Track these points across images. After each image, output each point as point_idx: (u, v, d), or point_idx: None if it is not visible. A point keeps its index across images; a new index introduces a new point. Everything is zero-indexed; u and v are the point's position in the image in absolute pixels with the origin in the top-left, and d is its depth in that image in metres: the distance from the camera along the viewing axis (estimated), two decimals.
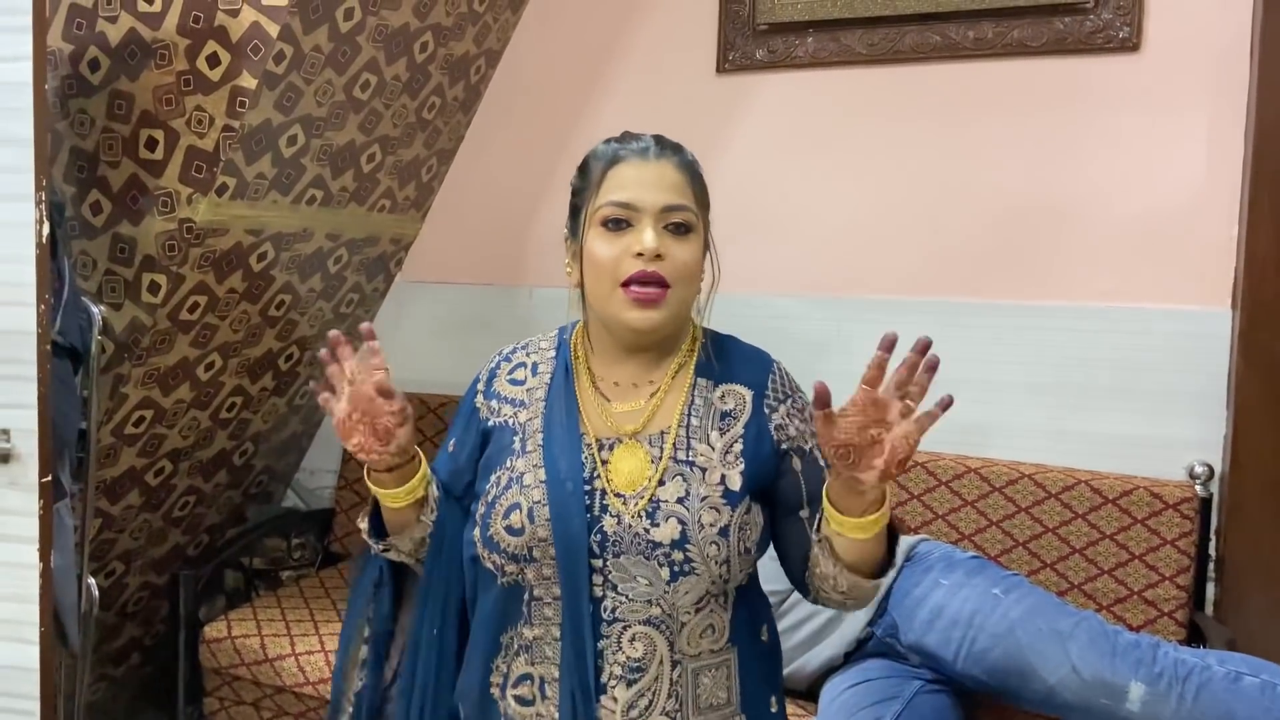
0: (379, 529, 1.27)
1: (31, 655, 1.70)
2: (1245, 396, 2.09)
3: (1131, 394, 2.22)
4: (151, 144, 1.94)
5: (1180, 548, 2.04)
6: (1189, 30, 2.16)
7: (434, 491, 1.25)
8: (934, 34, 2.31)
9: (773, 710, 1.25)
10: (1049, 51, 2.25)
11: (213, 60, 1.89)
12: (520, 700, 1.19)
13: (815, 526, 1.15)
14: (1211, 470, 2.11)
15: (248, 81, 1.88)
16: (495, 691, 1.21)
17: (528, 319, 2.71)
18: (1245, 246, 2.10)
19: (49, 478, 1.73)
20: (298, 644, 2.11)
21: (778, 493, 1.21)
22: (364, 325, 1.21)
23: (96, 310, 1.94)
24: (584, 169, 1.24)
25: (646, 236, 1.15)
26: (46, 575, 1.72)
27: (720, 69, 2.50)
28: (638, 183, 1.18)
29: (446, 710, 1.26)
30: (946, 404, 1.02)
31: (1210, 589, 2.12)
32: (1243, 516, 2.07)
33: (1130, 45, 2.18)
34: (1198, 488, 2.08)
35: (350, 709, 1.34)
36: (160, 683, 2.27)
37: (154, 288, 2.00)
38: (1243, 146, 2.11)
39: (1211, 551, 2.11)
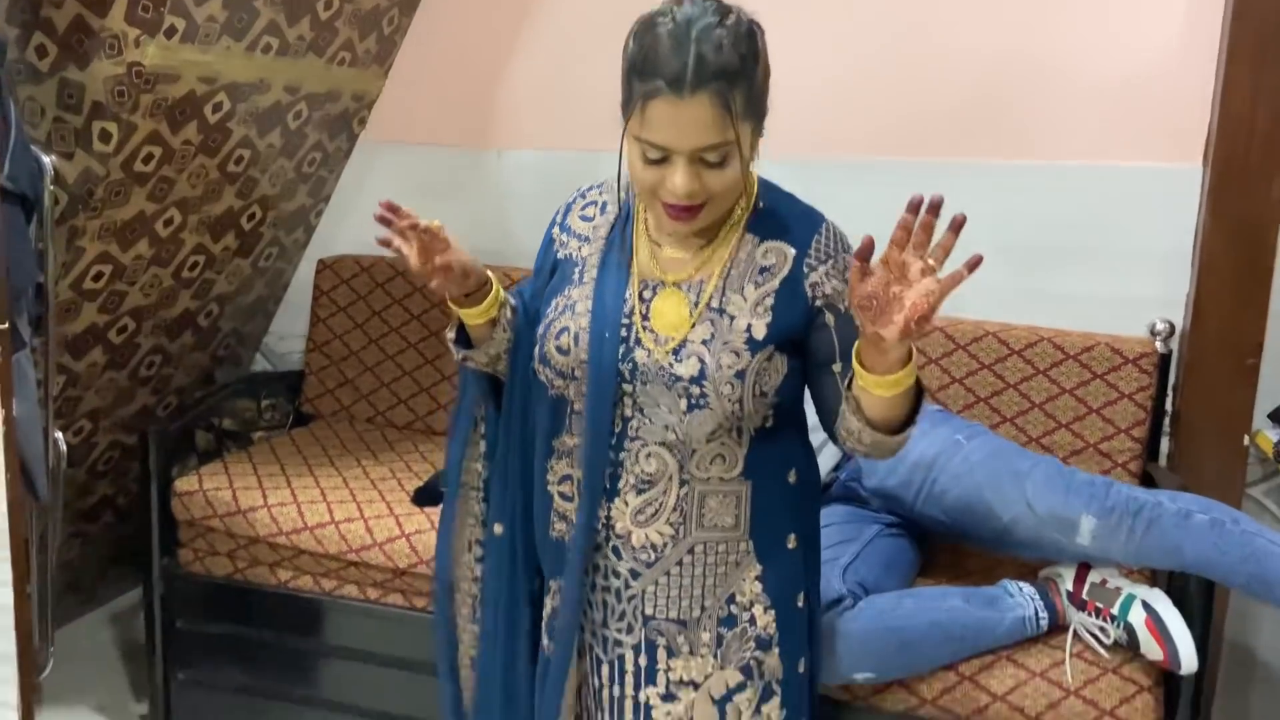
0: (464, 341, 1.41)
1: None
2: (1210, 254, 2.10)
3: (1100, 253, 2.24)
4: None
5: (1137, 401, 2.08)
6: None
7: (507, 315, 1.39)
8: None
9: (789, 546, 1.35)
10: None
11: None
12: (563, 496, 1.36)
13: (846, 383, 1.20)
14: (1172, 327, 2.14)
15: None
16: (550, 488, 1.37)
17: (497, 183, 2.66)
18: (1220, 103, 2.08)
19: (6, 325, 1.71)
20: (270, 496, 2.13)
21: (810, 347, 1.28)
22: (383, 202, 1.26)
23: (47, 159, 1.89)
24: (630, 70, 1.20)
25: (678, 181, 1.19)
26: (9, 423, 1.72)
27: None
28: (672, 124, 1.17)
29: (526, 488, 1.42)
30: (974, 264, 1.06)
31: (1165, 443, 2.18)
32: (1200, 372, 2.11)
33: None
34: (1158, 344, 2.11)
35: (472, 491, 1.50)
36: (135, 541, 2.29)
37: (105, 136, 1.94)
38: (1222, 1, 2.07)
39: (1168, 407, 2.16)
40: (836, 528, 1.86)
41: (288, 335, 2.83)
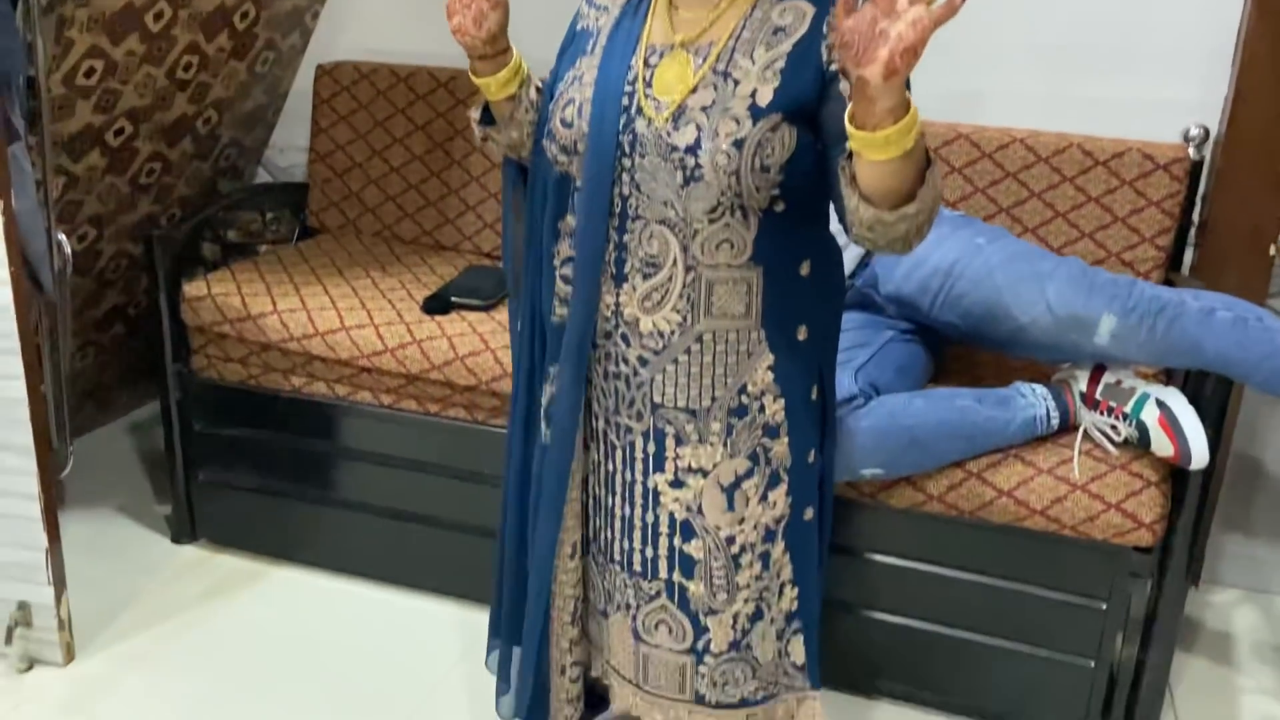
0: (489, 119, 1.40)
1: (4, 295, 1.70)
2: (1252, 54, 1.99)
3: (1136, 54, 2.13)
4: None
5: (1165, 209, 2.02)
6: None
7: (531, 95, 1.36)
8: None
9: (799, 338, 1.32)
10: None
11: None
12: (564, 279, 1.34)
13: (846, 154, 1.12)
14: (1207, 132, 2.05)
15: None
16: (556, 272, 1.35)
17: None
18: None
19: None
20: (279, 302, 2.12)
21: (823, 119, 1.19)
22: None
23: None
24: None
25: None
26: (9, 215, 1.69)
27: None
28: None
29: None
30: None
31: (1189, 254, 2.13)
32: (1232, 179, 2.04)
33: None
34: (1191, 150, 2.04)
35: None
36: (149, 353, 2.29)
37: None
38: None
39: (1195, 217, 2.10)
40: (851, 333, 1.83)
41: (289, 148, 2.76)
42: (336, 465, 2.15)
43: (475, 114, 1.40)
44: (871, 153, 1.06)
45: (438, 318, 2.09)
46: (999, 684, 1.79)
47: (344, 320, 2.08)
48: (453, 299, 2.14)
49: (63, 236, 1.99)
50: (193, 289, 2.17)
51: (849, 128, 1.07)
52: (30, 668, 1.89)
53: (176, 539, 2.30)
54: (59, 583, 1.86)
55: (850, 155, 1.11)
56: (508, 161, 1.46)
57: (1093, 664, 1.73)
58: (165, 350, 2.18)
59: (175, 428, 2.22)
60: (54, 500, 1.84)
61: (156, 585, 2.15)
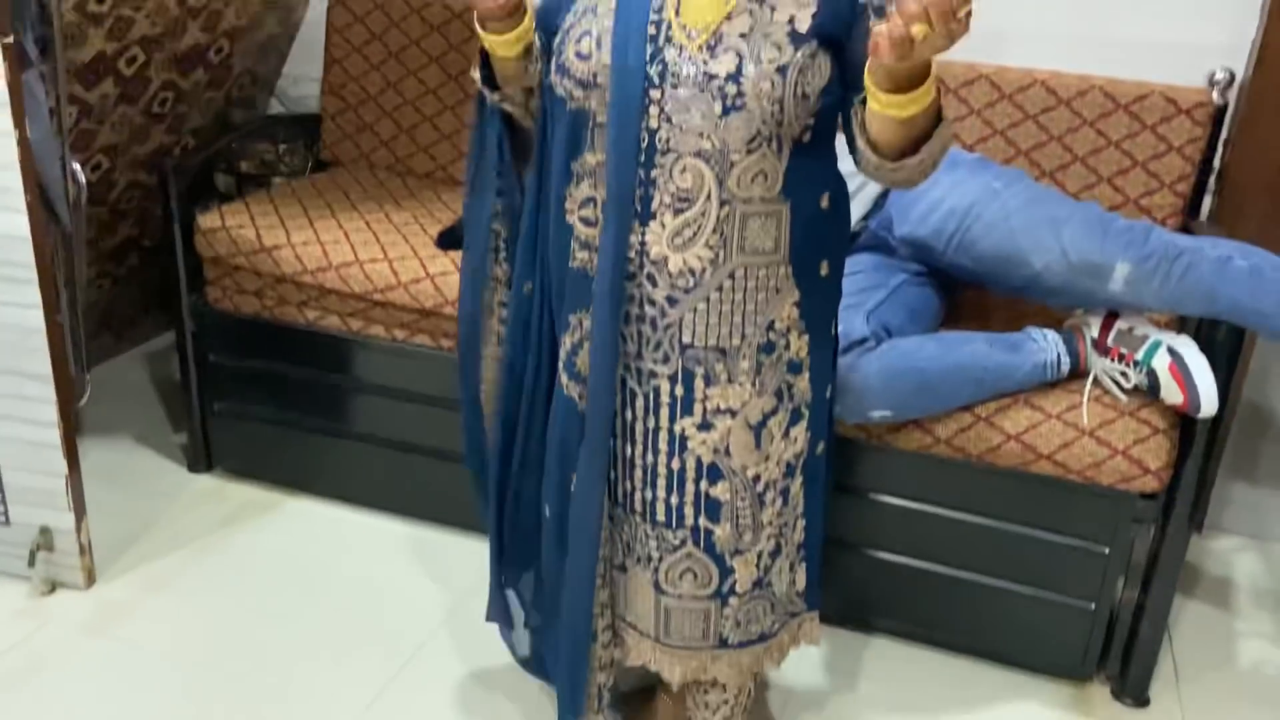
0: (491, 80, 1.33)
1: (21, 224, 1.71)
2: None
3: None
4: None
5: (1185, 154, 1.99)
6: None
7: (537, 43, 1.29)
8: None
9: (822, 274, 1.31)
10: None
11: None
12: (584, 221, 1.29)
13: (859, 98, 1.14)
14: (1232, 76, 2.01)
15: None
16: (569, 217, 1.31)
17: None
18: None
19: (10, 38, 1.64)
20: (293, 235, 2.12)
21: (848, 56, 1.19)
22: None
23: None
24: None
25: None
26: (24, 144, 1.69)
27: None
28: None
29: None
30: None
31: (1208, 201, 2.11)
32: (1255, 125, 2.01)
33: None
34: (1214, 94, 2.00)
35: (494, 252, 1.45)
36: (164, 284, 2.30)
37: None
38: None
39: (1215, 163, 2.07)
40: (864, 275, 1.84)
41: (302, 78, 2.74)
42: (349, 398, 2.18)
43: (476, 74, 1.33)
44: (882, 107, 1.08)
45: (451, 252, 2.09)
46: (1000, 624, 1.82)
47: (358, 254, 2.08)
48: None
49: (77, 165, 1.98)
50: (207, 221, 2.17)
51: (866, 79, 1.08)
52: (53, 590, 1.94)
53: (192, 468, 2.34)
54: (79, 508, 1.90)
55: (864, 100, 1.12)
56: (498, 122, 1.38)
57: (1093, 607, 1.76)
58: (180, 282, 2.19)
59: (190, 359, 2.24)
60: (73, 428, 1.87)
61: (173, 513, 2.20)
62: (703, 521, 1.35)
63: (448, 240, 2.12)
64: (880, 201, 1.90)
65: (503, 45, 1.26)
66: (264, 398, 2.23)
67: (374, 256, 2.08)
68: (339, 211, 2.26)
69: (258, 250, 2.12)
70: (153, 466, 2.35)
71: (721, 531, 1.36)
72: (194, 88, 2.41)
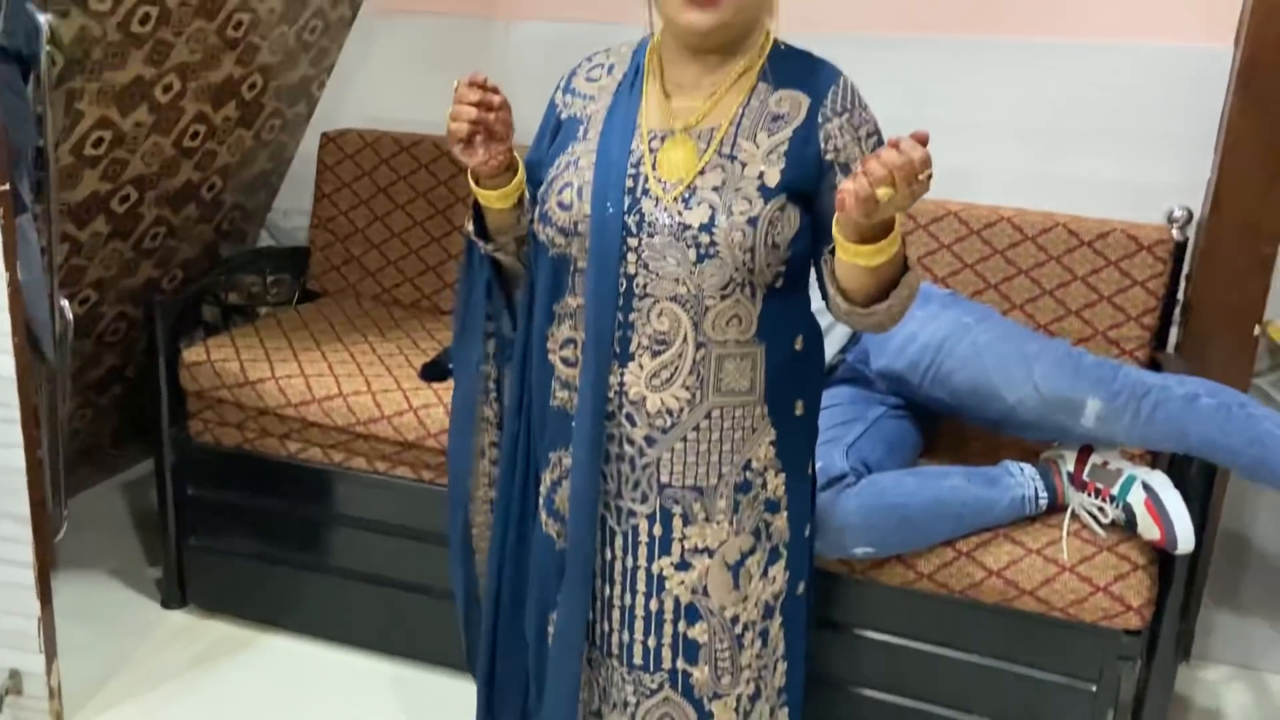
0: (484, 232, 1.38)
1: (8, 364, 1.72)
2: (1235, 138, 2.05)
3: (1121, 137, 2.19)
4: None
5: (1149, 289, 2.06)
6: None
7: (526, 194, 1.35)
8: None
9: (797, 413, 1.35)
10: None
11: None
12: (565, 361, 1.34)
13: (828, 249, 1.22)
14: (1190, 214, 2.10)
15: None
16: (551, 356, 1.35)
17: (503, 55, 2.59)
18: None
19: (6, 187, 1.69)
20: (277, 368, 2.14)
21: (818, 208, 1.26)
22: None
23: (43, 18, 1.83)
24: None
25: None
26: (14, 286, 1.72)
27: None
28: None
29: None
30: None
31: (1174, 333, 2.16)
32: (1216, 260, 2.08)
33: None
34: (1174, 231, 2.08)
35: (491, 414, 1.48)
36: (145, 413, 2.31)
37: None
38: None
39: (1180, 296, 2.14)
40: (842, 408, 1.87)
41: (292, 211, 2.80)
42: (329, 531, 2.16)
43: (470, 227, 1.38)
44: (850, 257, 1.16)
45: (434, 385, 2.11)
46: None
47: (341, 387, 2.10)
48: (450, 366, 2.16)
49: (65, 303, 2.01)
50: (191, 354, 2.19)
51: (834, 230, 1.15)
52: None
53: (166, 604, 2.29)
54: (50, 650, 1.86)
55: (834, 249, 1.18)
56: (488, 270, 1.42)
57: None
58: (162, 415, 2.19)
59: (169, 491, 2.23)
60: (48, 568, 1.84)
61: (145, 651, 2.15)
62: (680, 664, 1.35)
63: (432, 372, 2.15)
64: (856, 336, 1.94)
65: (497, 199, 1.32)
66: (241, 531, 2.21)
67: (358, 389, 2.09)
68: (324, 343, 2.29)
69: (241, 383, 2.13)
70: (126, 601, 2.31)
71: (700, 674, 1.35)
72: (185, 223, 2.46)
